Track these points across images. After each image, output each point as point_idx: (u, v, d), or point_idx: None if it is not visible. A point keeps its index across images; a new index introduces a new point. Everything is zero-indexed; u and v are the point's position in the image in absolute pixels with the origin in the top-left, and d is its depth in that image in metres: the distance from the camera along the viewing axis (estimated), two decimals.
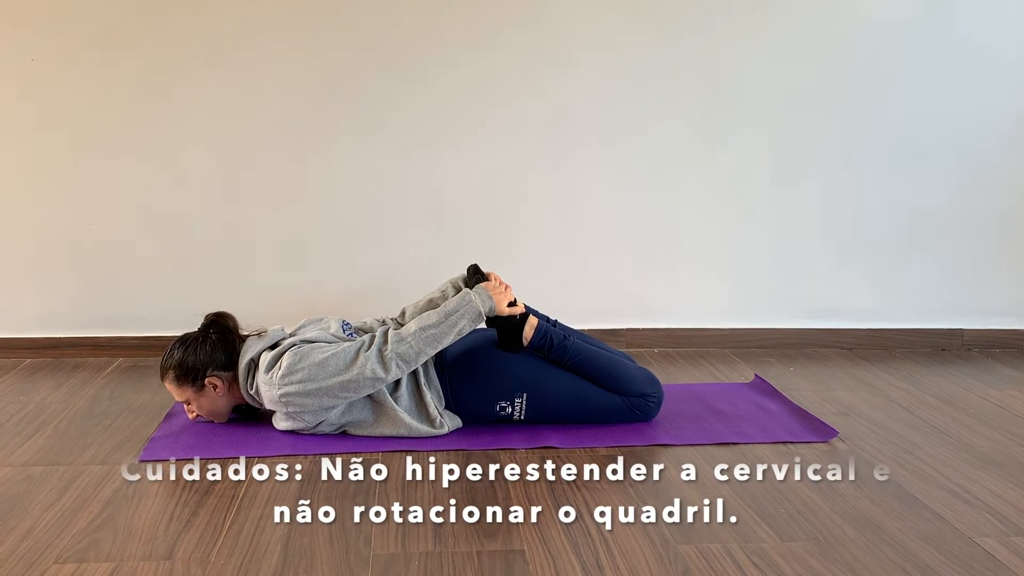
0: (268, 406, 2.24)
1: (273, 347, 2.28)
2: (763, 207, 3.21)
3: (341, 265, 3.10)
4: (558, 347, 2.36)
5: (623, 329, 3.22)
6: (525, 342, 2.35)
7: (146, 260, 3.05)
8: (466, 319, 2.24)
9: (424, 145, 3.06)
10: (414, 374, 2.30)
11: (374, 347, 2.19)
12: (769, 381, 2.82)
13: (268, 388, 2.19)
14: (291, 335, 2.34)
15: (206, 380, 2.27)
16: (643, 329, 3.25)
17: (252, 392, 2.26)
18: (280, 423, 2.27)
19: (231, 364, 2.29)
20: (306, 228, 3.08)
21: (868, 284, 3.30)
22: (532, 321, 2.36)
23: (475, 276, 2.40)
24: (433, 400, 2.29)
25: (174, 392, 2.30)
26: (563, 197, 3.14)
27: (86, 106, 2.95)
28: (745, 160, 3.17)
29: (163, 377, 2.30)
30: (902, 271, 3.30)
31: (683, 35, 3.08)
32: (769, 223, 3.23)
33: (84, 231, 3.01)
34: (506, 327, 2.35)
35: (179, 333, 3.04)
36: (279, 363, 2.19)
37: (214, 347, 2.29)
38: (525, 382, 2.33)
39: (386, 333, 2.23)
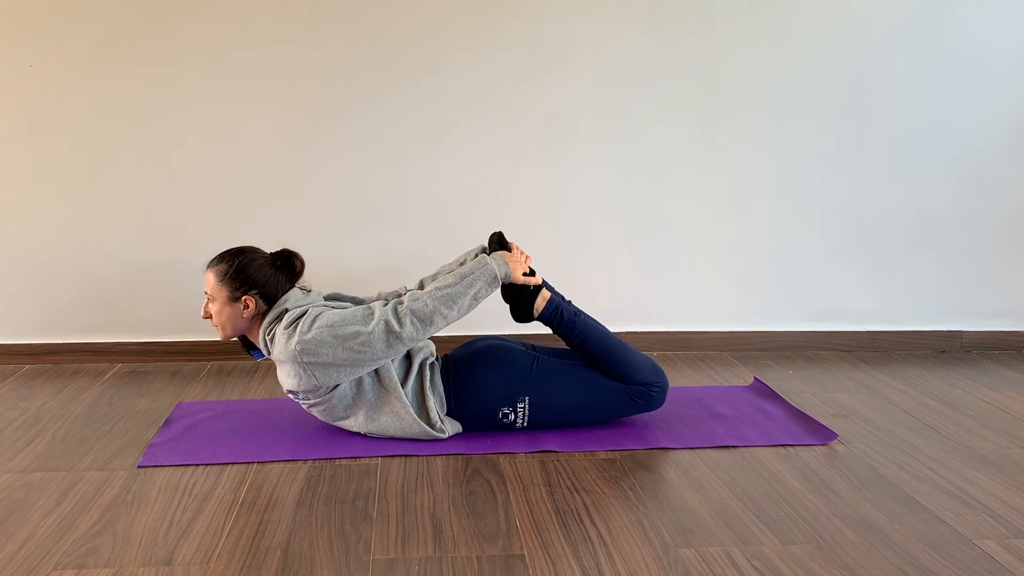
0: (280, 357, 2.20)
1: (303, 306, 2.28)
2: (762, 209, 3.22)
3: (340, 266, 3.10)
4: (568, 322, 2.37)
5: (623, 332, 3.22)
6: (536, 313, 2.38)
7: (145, 265, 3.05)
8: (481, 281, 2.25)
9: (424, 146, 3.07)
10: (420, 377, 2.30)
11: (391, 303, 2.21)
12: (768, 384, 2.82)
13: (286, 339, 2.17)
14: (325, 298, 2.38)
15: (245, 296, 2.25)
16: (643, 332, 3.25)
17: (267, 337, 2.24)
18: (287, 380, 2.24)
19: (271, 300, 2.27)
20: (305, 230, 3.08)
21: (867, 286, 3.30)
22: (545, 294, 2.39)
23: (497, 244, 2.41)
24: (436, 406, 2.29)
25: (209, 284, 2.27)
26: (562, 198, 3.15)
27: (84, 111, 2.95)
28: (745, 162, 3.18)
29: (212, 265, 2.28)
30: (901, 273, 3.30)
31: (683, 37, 3.08)
32: (768, 225, 3.23)
33: (82, 236, 3.01)
34: (519, 296, 2.37)
35: (178, 339, 3.08)
36: (301, 318, 2.19)
37: (272, 275, 2.28)
38: (527, 387, 2.33)
39: (402, 295, 2.25)
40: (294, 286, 2.33)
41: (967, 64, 3.19)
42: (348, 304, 2.37)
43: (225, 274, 2.25)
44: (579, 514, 1.90)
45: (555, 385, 2.34)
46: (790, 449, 2.28)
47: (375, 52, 3.00)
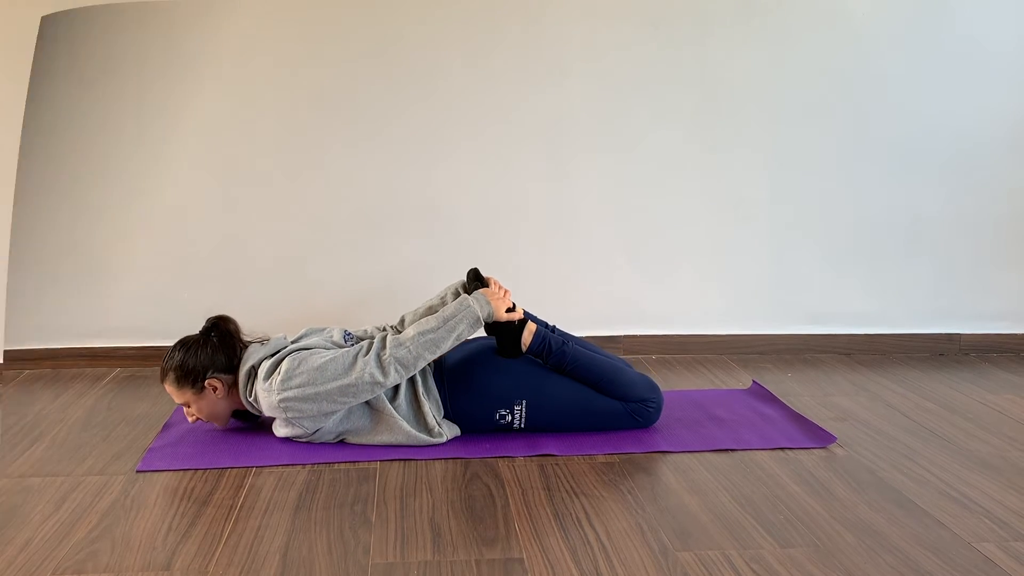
0: (267, 413, 2.23)
1: (273, 355, 2.28)
2: (760, 213, 3.22)
3: (340, 274, 3.10)
4: (556, 353, 2.35)
5: (621, 336, 3.22)
6: (524, 347, 2.35)
7: (144, 270, 3.04)
8: (464, 324, 2.24)
9: (422, 153, 3.07)
10: (412, 383, 2.30)
11: (372, 351, 2.19)
12: (767, 387, 2.82)
13: (267, 395, 2.18)
14: (293, 342, 2.34)
15: (206, 382, 2.26)
16: (641, 336, 3.25)
17: (251, 400, 2.26)
18: (279, 430, 2.27)
19: (232, 367, 2.28)
20: (304, 237, 3.08)
21: (865, 289, 3.31)
22: (531, 327, 2.36)
23: (475, 282, 2.40)
24: (432, 410, 2.28)
25: (174, 394, 2.29)
26: (561, 204, 3.15)
27: (81, 114, 2.95)
28: (742, 166, 3.18)
29: (163, 379, 2.30)
30: (899, 276, 3.31)
31: (680, 43, 3.09)
32: (766, 229, 3.23)
33: (82, 241, 3.01)
34: (505, 332, 2.35)
35: None
36: (278, 369, 2.18)
37: (215, 349, 2.28)
38: (524, 389, 2.32)
39: (384, 339, 2.22)
40: (243, 343, 2.33)
41: (963, 67, 3.19)
42: (322, 342, 2.31)
43: (177, 379, 2.27)
44: (578, 518, 1.89)
45: (553, 389, 2.34)
46: (789, 452, 2.28)
47: (373, 62, 2.99)
